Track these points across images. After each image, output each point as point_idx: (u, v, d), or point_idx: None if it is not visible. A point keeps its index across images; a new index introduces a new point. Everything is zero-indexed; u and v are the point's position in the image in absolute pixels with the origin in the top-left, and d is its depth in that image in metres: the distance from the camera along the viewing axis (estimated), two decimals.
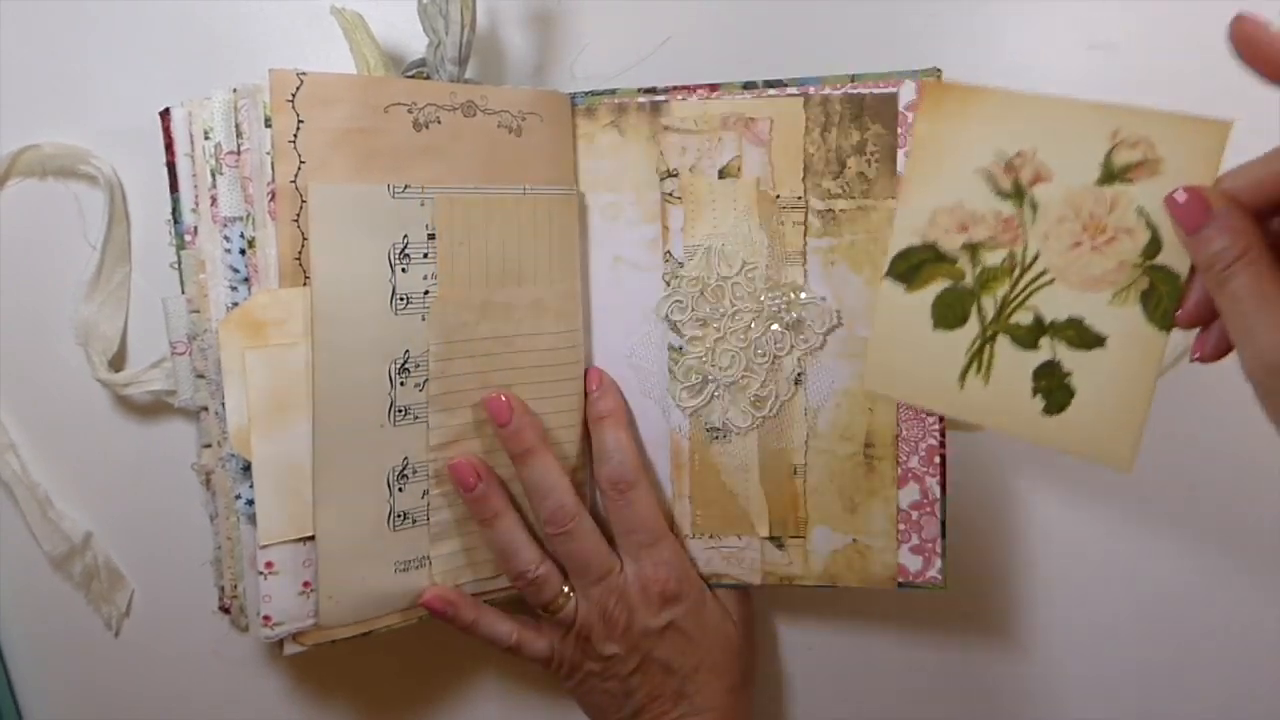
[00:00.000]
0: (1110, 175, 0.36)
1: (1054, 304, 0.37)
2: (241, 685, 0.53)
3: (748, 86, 0.43)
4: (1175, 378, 0.44)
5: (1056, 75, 0.47)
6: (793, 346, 0.44)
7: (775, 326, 0.44)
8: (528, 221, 0.43)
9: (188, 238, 0.42)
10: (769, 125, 0.43)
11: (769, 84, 0.43)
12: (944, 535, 0.44)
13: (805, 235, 0.43)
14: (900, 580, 0.44)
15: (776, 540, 0.45)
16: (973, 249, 0.38)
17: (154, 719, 0.53)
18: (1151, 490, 0.49)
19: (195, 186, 0.41)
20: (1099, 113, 0.36)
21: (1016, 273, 0.38)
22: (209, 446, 0.43)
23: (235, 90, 0.39)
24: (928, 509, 0.44)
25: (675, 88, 0.44)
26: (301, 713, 0.54)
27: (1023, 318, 0.38)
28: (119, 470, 0.51)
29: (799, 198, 0.43)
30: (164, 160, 0.42)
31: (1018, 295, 0.38)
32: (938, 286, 0.39)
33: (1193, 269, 0.34)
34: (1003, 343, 0.38)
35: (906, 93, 0.42)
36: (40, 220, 0.49)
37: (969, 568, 0.51)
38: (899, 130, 0.42)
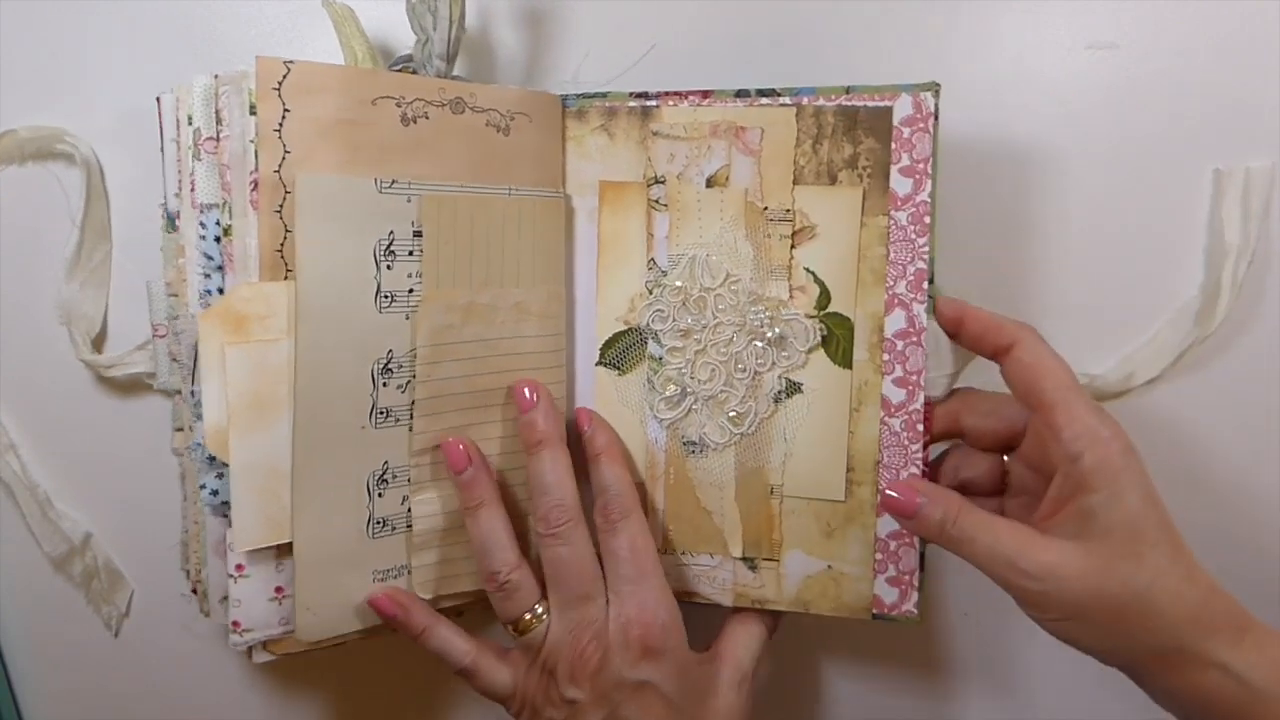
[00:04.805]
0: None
1: None
2: (240, 685, 0.53)
3: (740, 94, 0.42)
4: (1169, 384, 0.47)
5: (1056, 75, 0.47)
6: (774, 363, 0.43)
7: (757, 342, 0.43)
8: (512, 223, 0.42)
9: (177, 222, 0.43)
10: (760, 135, 0.42)
11: (762, 92, 0.42)
12: (922, 568, 0.42)
13: (791, 249, 0.42)
14: (875, 611, 0.43)
15: (749, 561, 0.44)
16: None
17: (154, 719, 0.53)
18: None
19: (179, 172, 0.41)
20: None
21: None
22: (180, 430, 0.43)
23: (217, 76, 0.38)
24: (906, 540, 0.42)
25: (667, 93, 0.43)
26: (301, 711, 0.53)
27: None
28: (118, 470, 0.51)
29: (787, 210, 0.42)
30: (156, 145, 0.42)
31: None
32: (646, 367, 0.44)
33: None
34: None
35: (902, 107, 0.40)
36: (27, 207, 0.49)
37: (942, 602, 0.49)
38: (893, 145, 0.41)
